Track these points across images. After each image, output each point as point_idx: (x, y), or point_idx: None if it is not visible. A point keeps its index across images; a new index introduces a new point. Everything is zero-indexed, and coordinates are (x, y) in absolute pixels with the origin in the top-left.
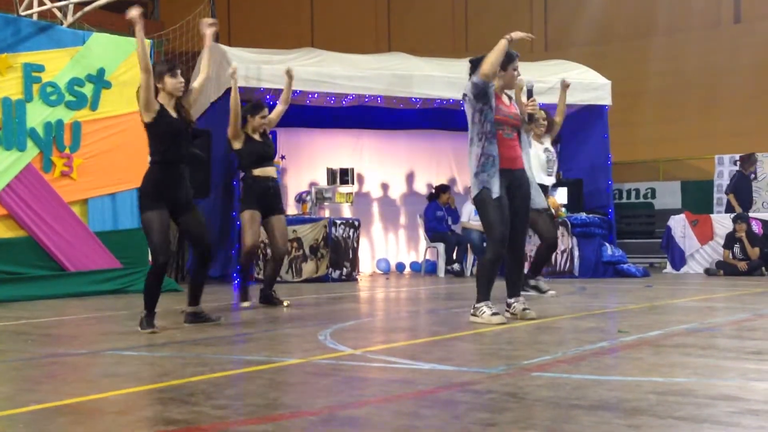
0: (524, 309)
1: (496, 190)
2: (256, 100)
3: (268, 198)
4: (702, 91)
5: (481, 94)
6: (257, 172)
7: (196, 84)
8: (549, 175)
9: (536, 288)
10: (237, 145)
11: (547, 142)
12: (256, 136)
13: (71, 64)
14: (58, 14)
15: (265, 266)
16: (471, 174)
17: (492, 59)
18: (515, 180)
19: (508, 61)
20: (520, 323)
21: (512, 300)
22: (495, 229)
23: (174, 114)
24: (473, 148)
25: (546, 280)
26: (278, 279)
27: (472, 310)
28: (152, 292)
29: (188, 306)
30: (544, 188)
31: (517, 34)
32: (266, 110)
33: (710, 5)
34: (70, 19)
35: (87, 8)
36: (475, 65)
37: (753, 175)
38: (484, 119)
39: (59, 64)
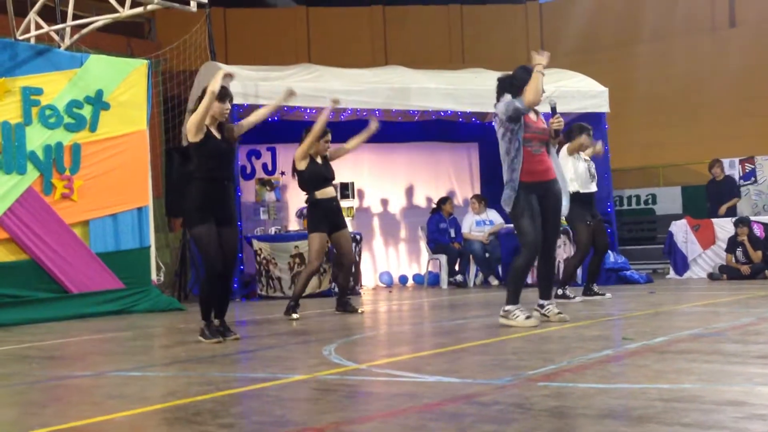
0: (558, 312)
1: (533, 202)
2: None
3: (332, 216)
4: (692, 96)
5: (518, 117)
6: (319, 194)
7: (244, 121)
8: (591, 183)
9: (564, 296)
10: (302, 165)
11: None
12: (319, 159)
13: (69, 87)
14: (56, 37)
15: (337, 276)
16: (505, 185)
17: (537, 87)
18: (546, 191)
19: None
20: (528, 332)
21: (545, 302)
22: (528, 236)
23: (218, 135)
24: (505, 162)
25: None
26: (282, 295)
27: (502, 313)
28: (208, 301)
29: (213, 318)
30: (588, 196)
31: (542, 60)
32: (330, 135)
33: (701, 10)
34: (67, 41)
35: (84, 30)
36: (503, 85)
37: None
38: (513, 137)
39: (57, 87)
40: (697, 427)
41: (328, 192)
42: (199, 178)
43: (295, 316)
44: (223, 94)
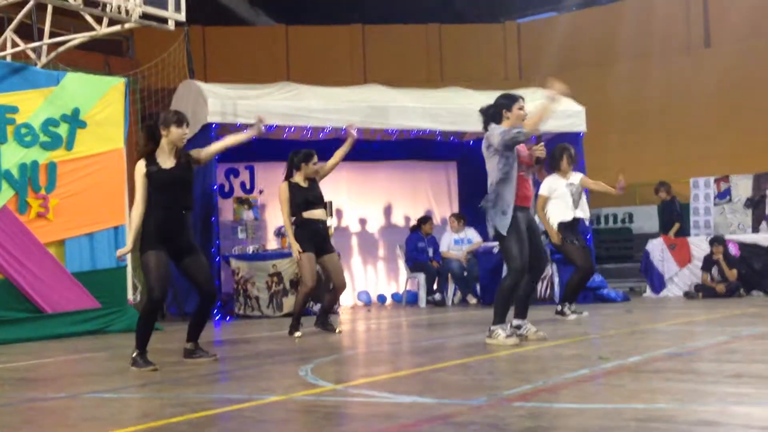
0: (536, 330)
1: (522, 226)
2: (307, 150)
3: (319, 238)
4: (668, 115)
5: (515, 145)
6: (306, 214)
7: (204, 151)
8: (576, 209)
9: (562, 313)
10: (284, 198)
11: (573, 177)
12: (304, 183)
13: (45, 105)
14: (32, 55)
15: (320, 297)
16: (495, 212)
17: (544, 118)
18: (529, 215)
19: (512, 101)
20: (504, 351)
21: (521, 322)
22: (515, 261)
23: (172, 163)
24: (497, 188)
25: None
26: (260, 315)
27: (487, 333)
28: (146, 327)
29: (186, 342)
30: (573, 222)
31: (561, 90)
32: (316, 157)
33: (676, 30)
34: (44, 59)
35: (61, 48)
36: (488, 116)
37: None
38: (508, 163)
39: (33, 105)
40: None
41: (315, 213)
42: (155, 206)
43: (297, 334)
44: (181, 119)
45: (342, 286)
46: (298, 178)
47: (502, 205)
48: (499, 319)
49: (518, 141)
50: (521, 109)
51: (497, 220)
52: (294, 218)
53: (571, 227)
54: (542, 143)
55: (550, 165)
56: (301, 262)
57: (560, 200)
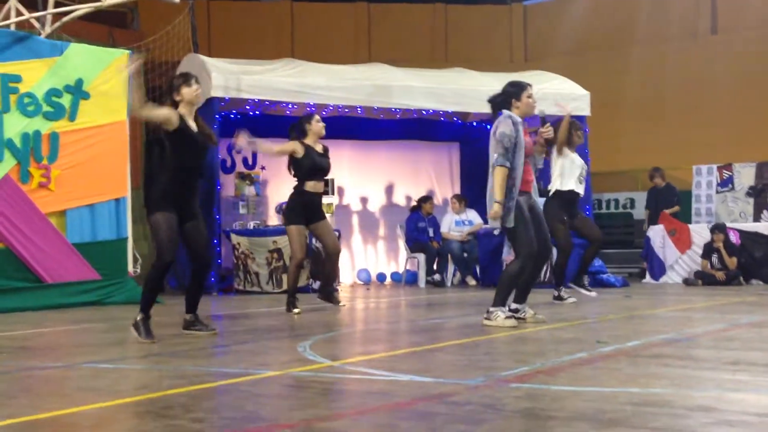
0: (534, 313)
1: (526, 211)
2: (306, 112)
3: (312, 207)
4: (681, 102)
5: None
6: (309, 186)
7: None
8: (577, 182)
9: (559, 297)
10: (300, 153)
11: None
12: (319, 148)
13: (49, 75)
14: (36, 24)
15: (317, 273)
16: (494, 200)
17: (498, 187)
18: (530, 199)
19: (521, 89)
20: (503, 333)
21: (519, 305)
22: (526, 247)
23: (194, 126)
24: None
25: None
26: (259, 290)
27: (486, 315)
28: (153, 291)
29: (186, 313)
30: (570, 194)
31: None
32: (318, 116)
33: (688, 16)
34: (48, 29)
35: (65, 19)
36: (498, 104)
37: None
38: (514, 152)
39: (37, 75)
40: None
41: (318, 187)
42: (170, 167)
43: (296, 310)
44: (187, 78)
45: (336, 250)
46: (311, 140)
47: (507, 201)
48: (500, 302)
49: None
50: (530, 97)
51: (503, 211)
52: (296, 185)
53: (569, 201)
54: (548, 124)
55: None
56: (291, 234)
57: (571, 172)
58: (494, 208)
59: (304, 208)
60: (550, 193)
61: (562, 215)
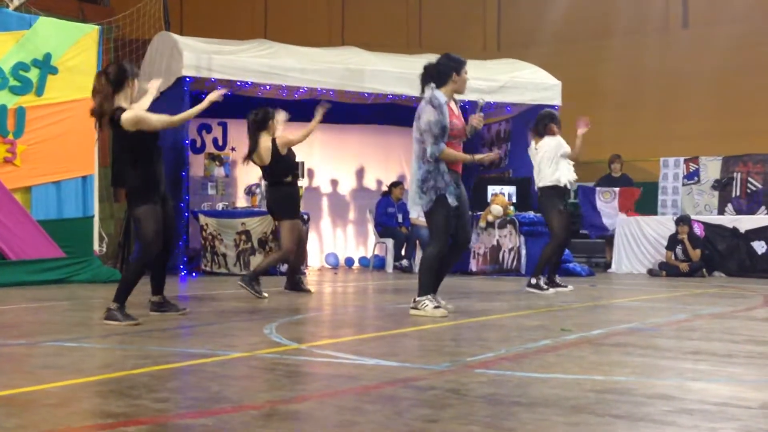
0: (446, 303)
1: (452, 200)
2: (263, 109)
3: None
4: (655, 95)
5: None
6: (291, 179)
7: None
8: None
9: (538, 287)
10: (283, 151)
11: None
12: (283, 149)
13: (16, 48)
14: None
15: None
16: (418, 188)
17: (457, 159)
18: (459, 181)
19: (461, 65)
20: (468, 319)
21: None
22: (441, 232)
23: None
24: (423, 164)
25: (495, 278)
26: (226, 272)
27: (412, 304)
28: (134, 282)
29: (153, 296)
30: (566, 187)
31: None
32: (282, 114)
33: (654, 10)
34: (16, 2)
35: None
36: (429, 74)
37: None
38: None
39: (4, 48)
40: (628, 419)
41: (296, 180)
42: (149, 159)
43: (265, 295)
44: (135, 73)
45: (305, 243)
46: (279, 140)
47: (433, 188)
48: (426, 289)
49: (434, 154)
50: (466, 73)
51: (425, 204)
52: (278, 179)
53: (564, 192)
54: (481, 114)
55: (539, 131)
56: (292, 227)
57: (565, 161)
58: (490, 156)
59: (297, 203)
60: (548, 185)
61: (559, 204)
